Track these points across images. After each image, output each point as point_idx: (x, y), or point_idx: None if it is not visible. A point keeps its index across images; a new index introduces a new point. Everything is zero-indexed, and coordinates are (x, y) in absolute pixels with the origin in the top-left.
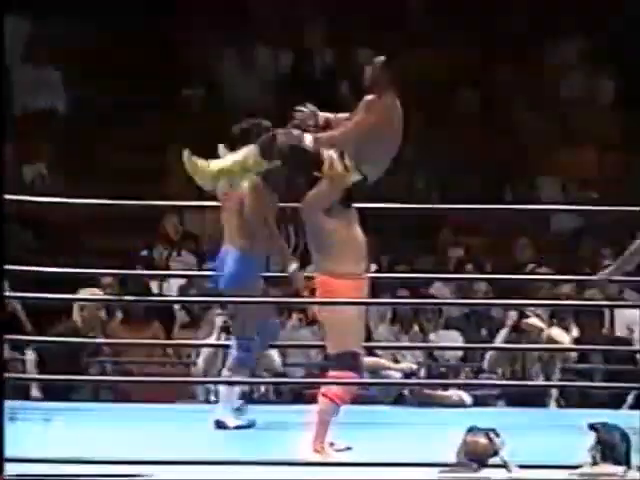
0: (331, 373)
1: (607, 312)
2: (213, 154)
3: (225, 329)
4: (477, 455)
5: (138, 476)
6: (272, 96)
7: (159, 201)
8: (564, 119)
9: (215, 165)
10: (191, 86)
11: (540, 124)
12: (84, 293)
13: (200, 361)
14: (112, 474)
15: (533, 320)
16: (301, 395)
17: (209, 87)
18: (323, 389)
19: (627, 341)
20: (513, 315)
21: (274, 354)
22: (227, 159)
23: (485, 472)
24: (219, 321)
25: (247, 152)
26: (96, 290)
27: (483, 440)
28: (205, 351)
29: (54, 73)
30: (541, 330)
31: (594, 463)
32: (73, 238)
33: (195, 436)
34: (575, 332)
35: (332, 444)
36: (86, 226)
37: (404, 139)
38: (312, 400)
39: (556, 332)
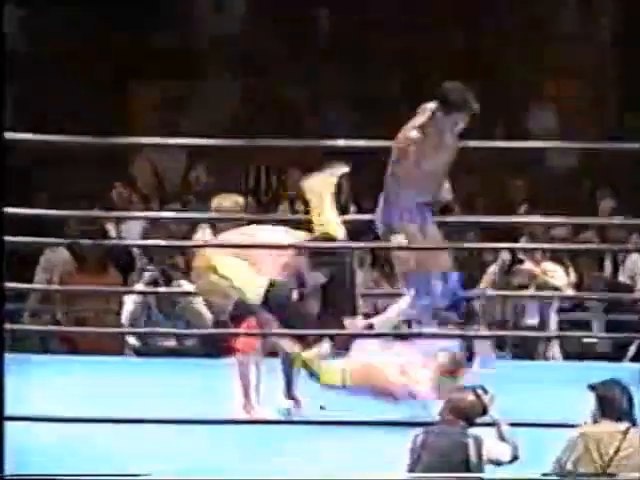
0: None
1: (609, 257)
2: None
3: (153, 282)
4: (463, 413)
5: (137, 476)
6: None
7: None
8: (561, 52)
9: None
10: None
11: (535, 57)
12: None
13: (126, 313)
14: (112, 474)
15: (527, 266)
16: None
17: (178, 24)
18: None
19: (629, 288)
20: (505, 257)
21: (203, 309)
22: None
23: (473, 431)
24: (147, 276)
25: None
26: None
27: (470, 397)
28: (131, 304)
29: None
30: (535, 276)
31: (594, 422)
32: (30, 179)
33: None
34: (573, 277)
35: (296, 400)
36: (42, 166)
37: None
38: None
39: (551, 268)
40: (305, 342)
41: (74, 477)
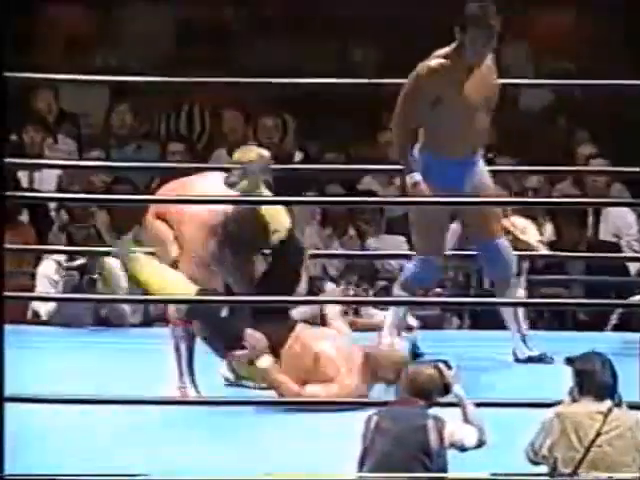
0: None
1: (590, 210)
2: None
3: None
4: (421, 389)
5: (137, 476)
6: None
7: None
8: None
9: None
10: None
11: None
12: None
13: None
14: (112, 474)
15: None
16: None
17: None
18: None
19: (614, 247)
20: None
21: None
22: None
23: (434, 411)
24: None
25: None
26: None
27: (428, 370)
28: (48, 266)
29: None
30: (507, 232)
31: (573, 400)
32: None
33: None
34: (550, 233)
35: None
36: None
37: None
38: None
39: (521, 224)
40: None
41: (74, 477)
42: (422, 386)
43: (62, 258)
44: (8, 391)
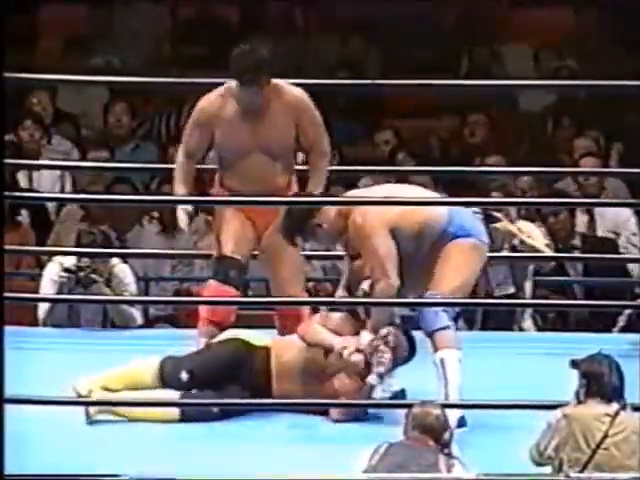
0: (210, 284)
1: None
2: None
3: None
4: (430, 429)
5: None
6: None
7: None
8: None
9: None
10: None
11: None
12: None
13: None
14: (112, 474)
15: (503, 225)
16: None
17: None
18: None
19: (614, 244)
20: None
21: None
22: None
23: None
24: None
25: None
26: None
27: (435, 411)
28: (53, 267)
29: None
30: (513, 235)
31: (579, 402)
32: None
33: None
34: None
35: None
36: None
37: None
38: None
39: (527, 228)
40: None
41: (74, 477)
42: (431, 427)
43: (66, 260)
44: (8, 392)
